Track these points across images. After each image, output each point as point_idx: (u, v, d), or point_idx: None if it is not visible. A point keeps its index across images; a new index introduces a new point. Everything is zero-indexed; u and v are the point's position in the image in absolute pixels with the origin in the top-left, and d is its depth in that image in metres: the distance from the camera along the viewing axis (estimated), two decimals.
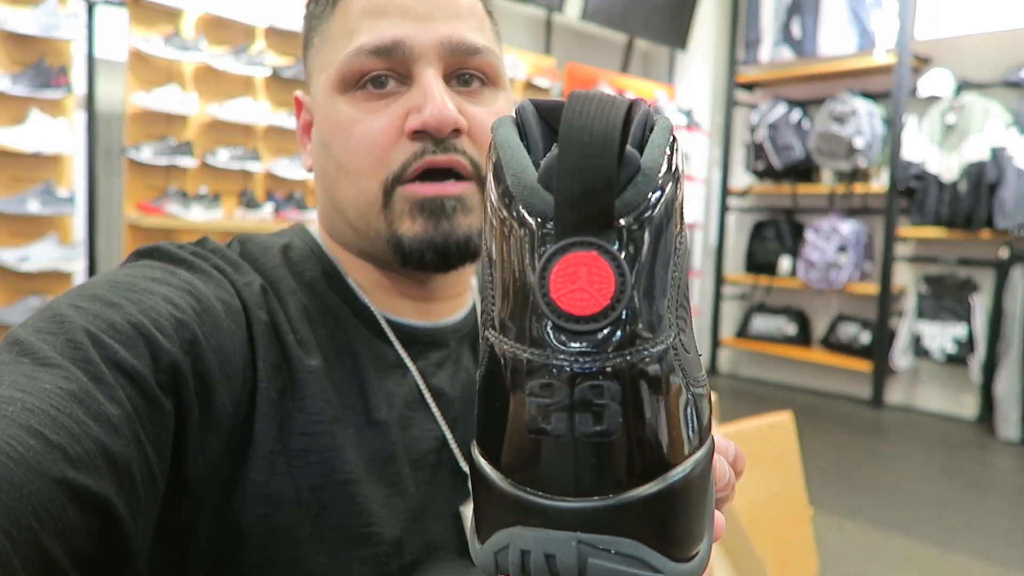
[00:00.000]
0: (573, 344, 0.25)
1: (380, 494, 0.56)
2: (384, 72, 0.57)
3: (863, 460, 3.73)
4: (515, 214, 0.25)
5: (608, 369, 0.25)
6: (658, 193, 0.25)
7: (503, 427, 0.27)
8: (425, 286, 0.64)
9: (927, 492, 3.27)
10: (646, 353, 0.25)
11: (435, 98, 0.55)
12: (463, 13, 0.58)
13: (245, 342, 0.53)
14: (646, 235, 0.25)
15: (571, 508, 0.25)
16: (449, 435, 0.61)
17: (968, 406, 4.51)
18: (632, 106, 0.27)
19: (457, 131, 0.57)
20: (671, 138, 0.27)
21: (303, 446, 0.54)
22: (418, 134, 0.56)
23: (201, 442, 0.49)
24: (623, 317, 0.25)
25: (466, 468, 0.61)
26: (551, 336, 0.25)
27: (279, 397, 0.54)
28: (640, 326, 0.25)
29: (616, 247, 0.24)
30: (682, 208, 0.27)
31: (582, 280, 0.24)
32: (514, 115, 0.29)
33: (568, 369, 0.25)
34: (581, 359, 0.25)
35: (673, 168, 0.26)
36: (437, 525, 0.58)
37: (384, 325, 0.62)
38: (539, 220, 0.25)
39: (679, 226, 0.27)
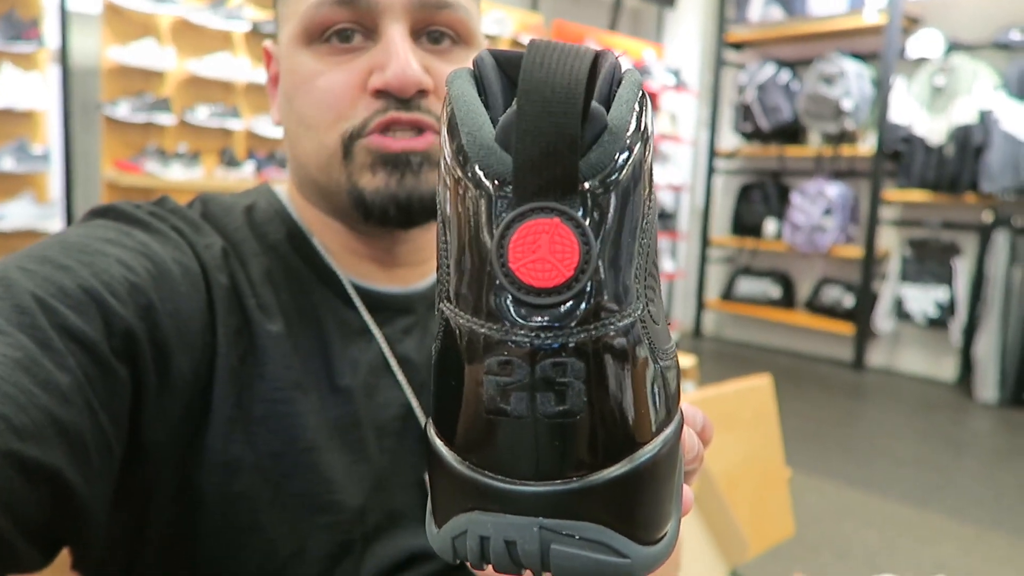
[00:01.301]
0: (534, 318, 0.23)
1: (343, 462, 0.55)
2: (349, 25, 0.54)
3: (843, 421, 3.78)
4: (470, 175, 0.23)
5: (571, 345, 0.23)
6: (626, 154, 0.23)
7: (459, 406, 0.25)
8: (392, 249, 0.62)
9: (904, 452, 3.32)
10: (612, 327, 0.24)
11: (399, 57, 0.53)
12: None
13: (204, 306, 0.51)
14: (612, 199, 0.23)
15: (532, 492, 0.24)
16: (415, 402, 0.60)
17: (948, 369, 4.57)
18: (598, 57, 0.24)
19: (423, 92, 0.55)
20: (640, 93, 0.25)
21: (263, 413, 0.52)
22: (380, 93, 0.54)
23: (158, 409, 0.48)
24: (588, 289, 0.23)
25: None
26: (510, 309, 0.23)
27: (239, 363, 0.52)
28: (606, 298, 0.23)
29: (580, 213, 0.23)
30: (651, 170, 0.25)
31: (543, 249, 0.23)
32: (471, 67, 0.27)
33: (528, 345, 0.23)
34: (542, 335, 0.23)
35: (642, 126, 0.24)
36: (402, 493, 0.57)
37: (350, 290, 0.60)
38: (496, 183, 0.23)
39: (648, 189, 0.25)
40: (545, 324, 0.23)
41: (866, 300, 4.64)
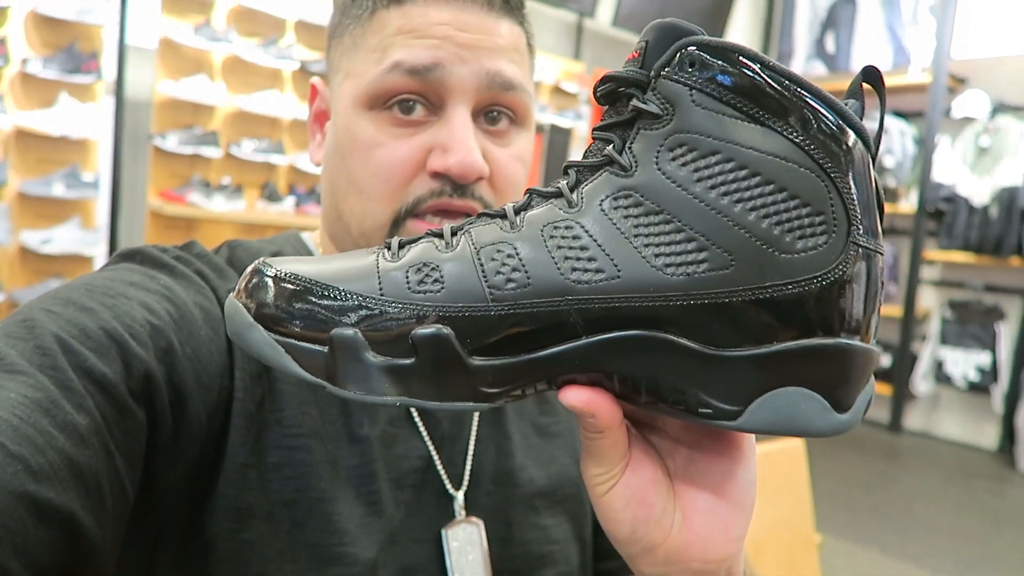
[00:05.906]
0: None
1: (356, 513, 0.54)
2: (414, 97, 0.55)
3: (877, 485, 3.66)
4: None
5: None
6: None
7: None
8: None
9: (941, 521, 3.20)
10: None
11: (463, 144, 0.54)
12: (507, 47, 0.57)
13: (223, 350, 0.52)
14: None
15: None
16: (435, 455, 0.59)
17: (989, 436, 4.42)
18: None
19: (479, 178, 0.56)
20: None
21: (278, 460, 0.52)
22: (438, 175, 0.55)
23: (173, 452, 0.48)
24: None
25: (452, 490, 0.59)
26: None
27: (256, 408, 0.52)
28: None
29: None
30: None
31: None
32: None
33: None
34: None
35: None
36: (417, 548, 0.56)
37: None
38: None
39: None
40: None
41: (904, 361, 4.53)
